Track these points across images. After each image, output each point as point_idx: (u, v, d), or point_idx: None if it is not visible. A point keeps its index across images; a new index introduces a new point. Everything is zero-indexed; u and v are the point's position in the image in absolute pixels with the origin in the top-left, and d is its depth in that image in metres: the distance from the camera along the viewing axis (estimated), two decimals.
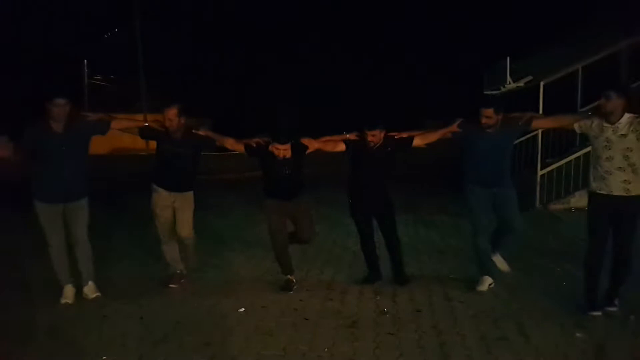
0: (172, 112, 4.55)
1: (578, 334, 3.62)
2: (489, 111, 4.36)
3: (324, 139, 4.89)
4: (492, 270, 4.68)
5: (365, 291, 4.64)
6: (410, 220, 7.84)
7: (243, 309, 4.19)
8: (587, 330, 3.68)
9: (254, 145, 4.66)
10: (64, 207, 4.39)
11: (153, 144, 4.84)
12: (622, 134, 3.76)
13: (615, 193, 3.81)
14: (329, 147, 4.84)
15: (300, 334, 3.71)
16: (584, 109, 11.08)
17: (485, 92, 12.27)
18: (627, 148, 3.75)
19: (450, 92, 23.24)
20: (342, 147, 4.79)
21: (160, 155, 4.74)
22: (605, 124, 3.82)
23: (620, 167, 3.77)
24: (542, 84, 9.04)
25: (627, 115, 3.76)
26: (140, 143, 20.98)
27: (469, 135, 4.57)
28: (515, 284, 4.71)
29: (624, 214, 3.85)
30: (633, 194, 3.79)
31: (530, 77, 9.81)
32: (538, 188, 8.96)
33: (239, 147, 4.74)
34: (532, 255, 5.73)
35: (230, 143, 4.80)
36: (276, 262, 4.91)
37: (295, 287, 4.70)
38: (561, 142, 9.68)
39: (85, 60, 28.76)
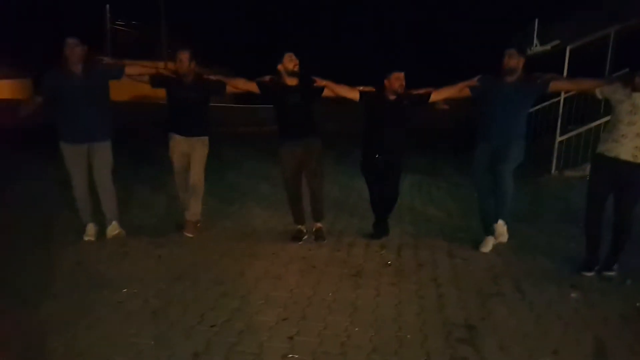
0: (184, 55, 4.63)
1: (573, 294, 3.75)
2: (512, 50, 4.33)
3: (336, 83, 4.79)
4: (494, 230, 4.73)
5: (372, 244, 4.82)
6: (425, 181, 7.96)
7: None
8: (583, 291, 3.82)
9: (266, 80, 4.69)
10: (88, 148, 4.55)
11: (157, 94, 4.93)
12: None
13: (623, 157, 3.87)
14: (341, 90, 4.73)
15: (307, 279, 3.92)
16: (614, 75, 10.86)
17: None
18: None
19: (478, 55, 22.74)
20: (355, 94, 4.71)
21: (172, 101, 4.82)
22: (635, 93, 3.84)
23: (637, 134, 3.83)
24: (568, 48, 8.83)
25: None
26: (161, 91, 21.12)
27: (487, 88, 4.52)
28: (519, 245, 4.83)
29: (628, 180, 3.90)
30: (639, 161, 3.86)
31: (557, 41, 9.58)
32: (555, 154, 8.93)
33: (251, 86, 4.73)
34: (540, 218, 5.83)
35: (241, 83, 4.81)
36: (288, 213, 5.09)
37: (305, 238, 4.89)
38: (585, 109, 9.55)
39: (107, 5, 28.60)
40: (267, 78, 4.71)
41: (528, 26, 10.54)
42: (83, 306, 3.34)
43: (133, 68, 4.72)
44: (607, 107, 4.41)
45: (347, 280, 3.94)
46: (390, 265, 4.29)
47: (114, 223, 4.78)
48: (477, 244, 4.81)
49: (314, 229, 4.97)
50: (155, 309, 3.34)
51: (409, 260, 4.44)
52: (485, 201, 4.72)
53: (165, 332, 3.05)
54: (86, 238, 4.67)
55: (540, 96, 4.63)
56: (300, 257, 4.40)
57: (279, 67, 4.59)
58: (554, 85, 4.45)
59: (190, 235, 4.89)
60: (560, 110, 9.19)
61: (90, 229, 4.72)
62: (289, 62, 4.55)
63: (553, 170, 8.93)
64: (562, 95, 9.25)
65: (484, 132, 4.59)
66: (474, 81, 4.60)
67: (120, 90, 4.77)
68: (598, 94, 4.11)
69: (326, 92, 4.71)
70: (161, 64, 21.07)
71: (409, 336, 3.09)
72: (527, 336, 3.13)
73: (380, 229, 5.07)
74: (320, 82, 4.67)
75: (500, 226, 4.65)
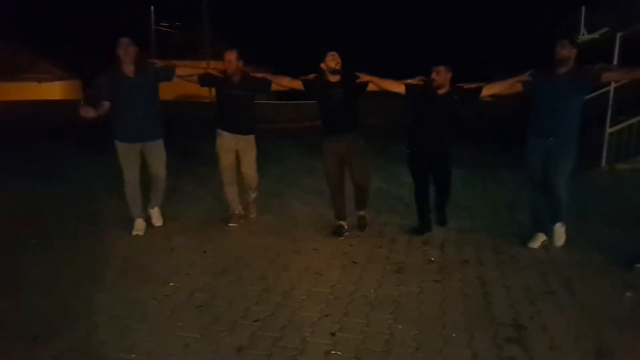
0: (232, 55, 4.76)
1: (628, 293, 3.59)
2: (565, 42, 4.19)
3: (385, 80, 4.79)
4: (546, 227, 4.61)
5: (414, 240, 4.75)
6: (468, 174, 7.79)
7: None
8: (638, 290, 3.64)
9: (311, 78, 4.77)
10: (142, 147, 4.75)
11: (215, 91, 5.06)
12: None
13: None
14: (386, 85, 4.74)
15: (348, 275, 3.91)
16: None
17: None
18: None
19: (523, 44, 22.14)
20: (401, 88, 4.70)
21: (221, 100, 4.97)
22: None
23: None
24: (618, 35, 8.44)
25: None
26: (204, 90, 21.59)
27: (538, 83, 4.38)
28: (569, 242, 4.64)
29: None
30: None
31: (606, 29, 9.17)
32: (605, 146, 8.56)
33: (296, 83, 4.84)
34: (590, 213, 5.60)
35: (286, 81, 4.93)
36: (330, 208, 5.09)
37: (346, 234, 4.88)
38: (637, 99, 9.10)
39: (152, 7, 29.41)
40: (311, 76, 4.79)
41: (575, 14, 10.15)
42: (132, 300, 3.44)
43: (183, 69, 4.92)
44: None
45: (389, 276, 3.90)
46: (433, 261, 4.23)
47: (156, 209, 5.07)
48: (524, 239, 4.67)
49: (357, 217, 5.03)
50: (201, 302, 3.41)
51: (453, 256, 4.35)
52: (537, 198, 4.59)
53: (210, 326, 3.11)
54: (134, 233, 4.83)
55: (592, 88, 4.44)
56: (341, 253, 4.39)
57: (322, 65, 4.65)
58: (606, 76, 4.28)
59: (254, 215, 5.33)
60: (610, 100, 8.78)
61: (139, 224, 4.89)
62: (331, 60, 4.60)
63: (603, 164, 8.57)
64: (612, 85, 8.85)
65: (537, 128, 4.42)
66: (526, 76, 4.48)
67: (165, 90, 4.89)
68: None
69: (371, 87, 4.73)
70: (203, 64, 21.52)
71: (454, 335, 3.04)
72: (579, 337, 3.02)
73: (424, 225, 5.00)
74: (364, 77, 4.69)
75: (559, 229, 4.55)
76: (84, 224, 5.19)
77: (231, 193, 5.18)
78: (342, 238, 4.81)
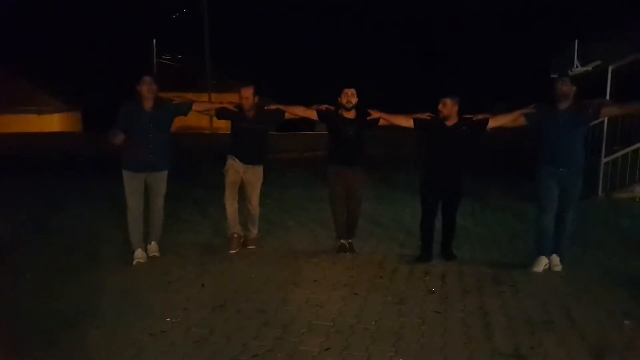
0: (248, 92, 4.98)
1: (626, 321, 3.59)
2: (565, 79, 4.43)
3: (392, 115, 5.06)
4: (549, 251, 4.69)
5: (415, 271, 4.75)
6: (468, 203, 7.80)
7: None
8: (637, 318, 3.64)
9: (324, 109, 5.00)
10: (146, 176, 4.88)
11: (217, 122, 5.28)
12: None
13: None
14: (396, 120, 5.02)
15: (349, 307, 3.89)
16: None
17: (552, 76, 11.83)
18: None
19: (516, 77, 22.51)
20: (410, 122, 4.92)
21: (236, 132, 5.16)
22: None
23: None
24: (610, 68, 8.62)
25: None
26: (204, 121, 21.79)
27: (542, 116, 4.55)
28: (568, 271, 4.67)
29: None
30: None
31: (598, 62, 9.37)
32: (601, 175, 8.64)
33: (311, 113, 5.06)
34: (590, 243, 5.61)
35: (301, 110, 5.13)
36: (332, 239, 5.18)
37: (350, 251, 5.12)
38: (630, 128, 9.23)
39: (155, 40, 29.88)
40: (323, 107, 5.03)
41: (568, 47, 10.36)
42: (128, 335, 3.40)
43: (202, 105, 5.28)
44: None
45: (391, 307, 3.89)
46: (434, 292, 4.22)
47: (154, 243, 5.09)
48: (524, 268, 4.71)
49: (347, 242, 5.26)
50: (198, 338, 3.37)
51: (454, 287, 4.35)
52: (547, 221, 4.64)
53: None
54: (135, 262, 4.89)
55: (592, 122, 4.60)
56: (342, 284, 4.38)
57: (339, 99, 4.93)
58: (605, 112, 4.51)
59: (253, 247, 5.35)
60: (605, 131, 8.91)
61: (139, 253, 4.95)
62: (347, 97, 4.88)
63: (600, 192, 8.63)
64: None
65: (549, 157, 4.56)
66: (530, 109, 4.64)
67: None
68: None
69: (381, 122, 5.00)
70: (205, 96, 21.76)
71: None
72: None
73: (426, 254, 5.03)
74: (375, 114, 4.97)
75: (555, 258, 4.69)
76: (81, 257, 5.16)
77: (232, 209, 5.24)
78: (347, 254, 5.10)
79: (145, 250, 5.04)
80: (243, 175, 5.19)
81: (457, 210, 5.03)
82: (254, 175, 5.22)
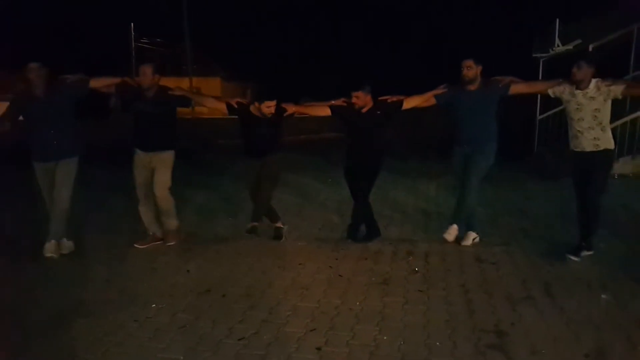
0: (146, 69, 4.72)
1: (603, 296, 3.69)
2: (469, 62, 4.57)
3: (307, 104, 5.16)
4: (475, 225, 5.03)
5: (399, 251, 4.81)
6: (442, 185, 7.88)
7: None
8: (613, 292, 3.75)
9: (235, 105, 4.87)
10: (55, 165, 4.65)
11: (199, 108, 5.13)
12: (591, 97, 4.25)
13: (588, 150, 4.34)
14: (312, 111, 5.14)
15: (334, 289, 3.93)
16: (637, 73, 10.68)
17: (534, 55, 11.93)
18: (596, 109, 4.26)
19: (500, 55, 22.56)
20: (327, 111, 4.95)
21: (134, 114, 4.86)
22: (577, 90, 4.30)
23: (590, 127, 4.30)
24: (590, 47, 8.71)
25: (594, 80, 4.25)
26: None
27: (452, 96, 4.73)
28: (548, 248, 4.78)
29: (594, 166, 4.32)
30: (602, 148, 4.32)
31: (579, 41, 9.46)
32: (537, 132, 8.87)
33: (220, 106, 4.95)
34: (568, 219, 5.70)
35: (210, 102, 5.03)
36: (315, 223, 5.25)
37: (285, 235, 5.16)
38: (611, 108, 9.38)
39: (132, 24, 29.33)
40: (236, 101, 4.91)
41: (549, 26, 10.44)
42: (113, 323, 3.41)
43: (97, 81, 4.78)
44: (634, 104, 4.48)
45: (375, 288, 3.94)
46: (417, 272, 4.28)
47: (65, 240, 4.76)
48: (505, 246, 4.87)
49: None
50: (184, 323, 3.39)
51: (437, 266, 4.42)
52: (458, 194, 5.00)
53: (194, 346, 3.09)
54: (47, 255, 4.62)
55: (502, 99, 4.74)
56: (327, 267, 4.42)
57: (252, 107, 4.85)
58: (513, 89, 4.65)
59: (173, 242, 5.03)
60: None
61: (50, 246, 4.67)
62: (266, 109, 4.74)
63: (535, 149, 8.88)
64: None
65: (457, 137, 4.85)
66: (440, 89, 4.80)
67: None
68: (550, 93, 4.55)
69: (289, 112, 4.91)
70: (185, 80, 21.26)
71: (438, 344, 3.08)
72: (559, 340, 3.09)
73: (352, 234, 5.16)
74: (290, 108, 4.90)
75: (453, 229, 4.93)
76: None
77: (146, 214, 5.01)
78: (282, 240, 5.13)
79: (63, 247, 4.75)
80: (150, 166, 4.86)
81: (368, 193, 5.07)
82: (161, 162, 4.85)
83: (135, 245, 4.99)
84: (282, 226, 5.28)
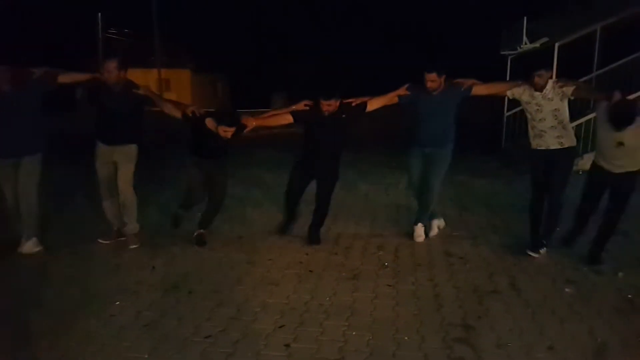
0: (110, 65, 4.58)
1: (567, 289, 3.78)
2: (432, 75, 4.57)
3: (268, 114, 5.02)
4: (436, 214, 5.16)
5: (369, 246, 4.82)
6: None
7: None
8: (577, 285, 3.84)
9: (190, 114, 4.66)
10: (18, 162, 4.50)
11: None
12: (549, 98, 4.36)
13: (552, 147, 4.44)
14: (273, 122, 4.92)
15: (304, 284, 3.91)
16: (601, 71, 10.99)
17: (502, 53, 12.12)
18: (555, 109, 4.37)
19: (468, 53, 22.85)
20: (288, 119, 4.75)
21: (98, 108, 4.74)
22: (536, 92, 4.41)
23: (552, 126, 4.40)
24: (556, 45, 8.89)
25: (550, 81, 4.39)
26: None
27: (414, 97, 4.74)
28: (514, 242, 4.86)
29: (559, 164, 4.43)
30: (566, 145, 4.44)
31: (546, 39, 9.65)
32: (504, 128, 9.08)
33: (177, 113, 4.72)
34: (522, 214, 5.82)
35: (168, 108, 4.78)
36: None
37: (206, 241, 4.84)
38: (575, 106, 9.60)
39: (99, 14, 28.49)
40: (191, 111, 4.67)
41: (517, 24, 10.61)
42: (75, 320, 3.31)
43: (65, 76, 4.65)
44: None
45: (345, 283, 3.94)
46: (387, 266, 4.30)
47: (33, 239, 4.62)
48: (473, 241, 4.92)
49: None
50: (149, 321, 3.31)
51: (406, 260, 4.44)
52: (415, 197, 5.06)
53: (159, 345, 3.02)
54: (24, 252, 4.55)
55: (464, 100, 4.80)
56: (297, 262, 4.39)
57: (208, 121, 4.64)
58: (475, 91, 4.72)
59: (135, 246, 4.81)
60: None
61: (25, 245, 4.58)
62: (224, 133, 4.53)
63: (503, 144, 9.10)
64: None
65: (416, 138, 4.86)
66: (403, 89, 4.81)
67: None
68: (509, 95, 4.65)
69: (249, 128, 4.69)
70: (154, 72, 20.79)
71: (406, 338, 3.09)
72: (524, 333, 3.14)
73: (287, 225, 5.18)
74: (250, 123, 4.66)
75: (420, 228, 4.99)
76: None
77: (110, 209, 4.88)
78: (206, 246, 4.81)
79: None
80: (112, 160, 4.74)
81: (330, 198, 4.98)
82: (124, 155, 4.73)
83: (99, 241, 4.86)
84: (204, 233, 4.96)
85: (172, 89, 27.60)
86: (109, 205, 4.89)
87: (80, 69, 4.93)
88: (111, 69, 4.57)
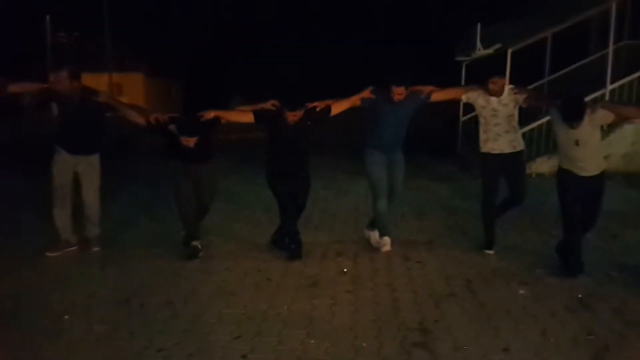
0: (60, 76, 4.44)
1: (521, 291, 3.86)
2: (400, 89, 4.57)
3: (226, 111, 4.86)
4: (390, 229, 4.97)
5: (328, 253, 4.79)
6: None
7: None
8: (530, 287, 3.93)
9: (153, 122, 4.55)
10: None
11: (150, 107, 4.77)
12: (505, 104, 4.50)
13: (506, 151, 4.57)
14: (233, 116, 4.75)
15: (262, 293, 3.85)
16: (552, 77, 11.40)
17: (457, 59, 12.37)
18: (510, 115, 4.53)
19: (422, 58, 23.24)
20: (249, 117, 4.61)
21: (59, 115, 4.62)
22: (492, 97, 4.51)
23: (507, 130, 4.55)
24: (509, 51, 9.14)
25: (507, 88, 4.52)
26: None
27: (377, 102, 4.73)
28: (469, 244, 4.94)
29: (514, 166, 4.60)
30: (518, 149, 4.61)
31: (499, 45, 9.90)
32: (460, 133, 9.33)
33: (140, 120, 4.62)
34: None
35: (130, 114, 4.66)
36: (246, 225, 5.06)
37: (201, 255, 4.65)
38: (528, 110, 9.91)
39: (47, 17, 27.46)
40: (154, 118, 4.56)
41: (470, 30, 10.86)
42: (22, 337, 3.15)
43: (16, 87, 4.54)
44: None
45: (303, 291, 3.90)
46: (346, 272, 4.28)
47: None
48: (431, 245, 4.99)
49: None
50: (100, 336, 3.19)
51: (365, 266, 4.44)
52: (384, 206, 4.81)
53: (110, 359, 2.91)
54: None
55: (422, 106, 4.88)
56: (255, 270, 4.32)
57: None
58: (433, 97, 4.80)
59: (98, 248, 4.77)
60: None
61: None
62: (186, 142, 4.42)
63: (459, 148, 9.36)
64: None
65: (377, 141, 4.80)
66: (367, 92, 4.78)
67: None
68: (464, 99, 4.78)
69: (207, 117, 4.54)
70: (105, 76, 20.12)
71: (364, 344, 3.08)
72: (479, 335, 3.18)
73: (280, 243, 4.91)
74: (208, 115, 4.52)
75: (387, 239, 4.85)
76: None
77: (62, 217, 4.69)
78: (198, 260, 4.60)
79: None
80: (74, 169, 4.63)
81: (305, 204, 4.94)
82: (89, 166, 4.64)
83: (47, 254, 4.64)
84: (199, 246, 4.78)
85: (125, 93, 26.81)
86: (60, 214, 4.69)
87: (28, 74, 4.75)
88: (62, 80, 4.43)
